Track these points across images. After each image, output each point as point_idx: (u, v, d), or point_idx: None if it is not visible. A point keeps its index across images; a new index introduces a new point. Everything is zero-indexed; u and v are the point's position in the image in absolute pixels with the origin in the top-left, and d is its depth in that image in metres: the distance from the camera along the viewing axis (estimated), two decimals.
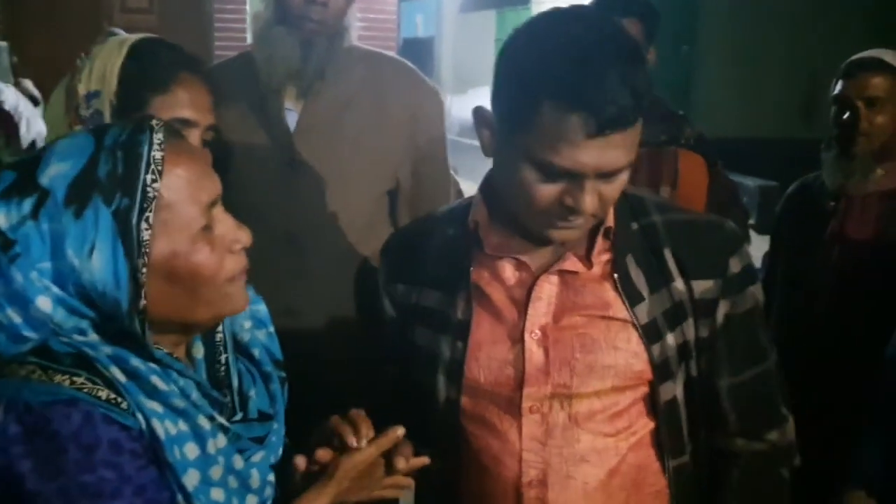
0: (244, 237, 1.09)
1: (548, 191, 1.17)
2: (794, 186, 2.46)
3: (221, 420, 1.10)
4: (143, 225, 0.99)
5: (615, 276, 1.27)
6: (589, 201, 1.17)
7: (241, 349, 1.23)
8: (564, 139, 1.12)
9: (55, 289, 1.00)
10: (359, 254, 2.01)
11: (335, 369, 1.92)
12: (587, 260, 1.28)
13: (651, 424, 1.32)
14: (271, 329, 1.30)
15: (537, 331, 1.29)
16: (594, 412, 1.29)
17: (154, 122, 1.05)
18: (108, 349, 1.02)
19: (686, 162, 2.42)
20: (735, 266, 1.29)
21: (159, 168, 1.01)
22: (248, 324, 1.25)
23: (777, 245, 2.45)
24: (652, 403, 1.31)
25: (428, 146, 2.06)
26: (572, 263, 1.28)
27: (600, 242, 1.28)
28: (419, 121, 2.03)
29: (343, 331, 1.97)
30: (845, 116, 2.19)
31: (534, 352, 1.29)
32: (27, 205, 1.00)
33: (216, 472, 1.08)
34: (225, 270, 1.07)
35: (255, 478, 1.15)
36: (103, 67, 1.46)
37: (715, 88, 9.08)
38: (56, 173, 1.00)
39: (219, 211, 1.08)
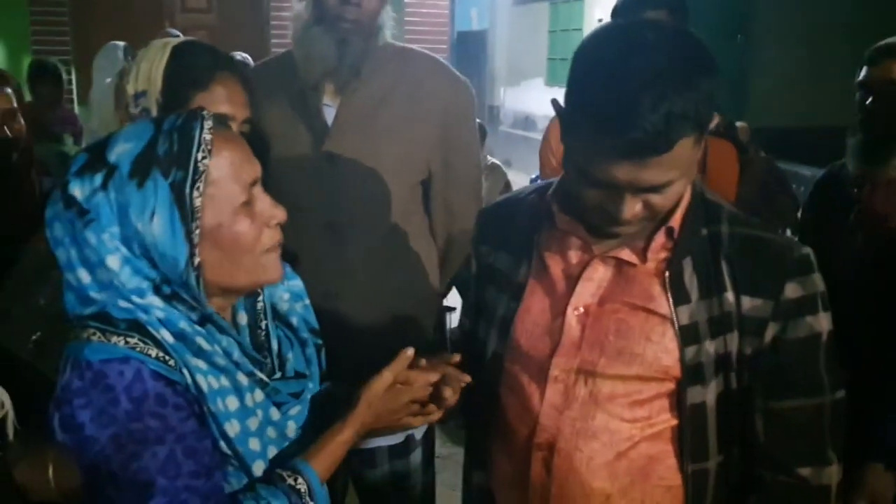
0: (280, 214, 1.24)
1: (591, 195, 1.23)
2: (821, 174, 2.46)
3: (261, 375, 1.24)
4: (195, 194, 1.14)
5: (667, 273, 1.30)
6: (627, 212, 1.21)
7: (281, 318, 1.38)
8: (600, 155, 1.16)
9: (124, 249, 1.14)
10: (394, 240, 2.10)
11: (371, 346, 2.01)
12: (643, 254, 1.33)
13: (673, 422, 1.33)
14: (307, 301, 1.44)
15: (581, 308, 1.35)
16: (615, 395, 1.33)
17: (205, 112, 1.20)
18: (160, 312, 1.16)
19: (715, 149, 2.45)
20: (792, 291, 1.27)
21: (209, 147, 1.16)
22: (286, 296, 1.40)
23: (804, 233, 2.47)
24: (678, 402, 1.32)
25: (459, 138, 2.14)
26: (628, 254, 1.33)
27: (660, 240, 1.31)
28: (450, 114, 2.10)
29: (378, 311, 2.06)
30: (868, 102, 2.20)
31: (572, 326, 1.35)
32: (98, 178, 1.14)
33: (253, 423, 1.22)
34: (262, 242, 1.22)
35: (291, 427, 1.30)
36: (149, 69, 1.58)
37: (771, 78, 8.96)
38: (122, 151, 1.15)
39: (258, 190, 1.23)
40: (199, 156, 1.15)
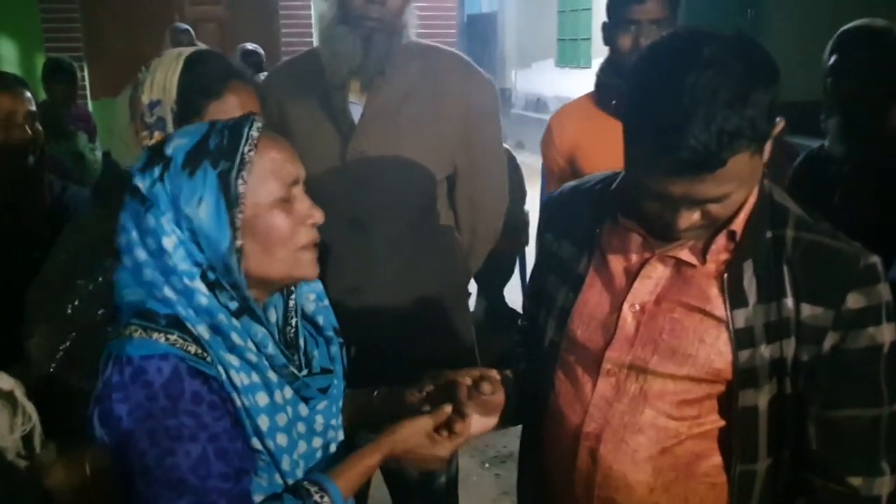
0: (318, 215, 1.30)
1: (649, 204, 1.25)
2: (800, 158, 2.45)
3: (292, 368, 1.29)
4: (240, 181, 1.21)
5: (725, 276, 1.30)
6: (683, 223, 1.22)
7: (307, 317, 1.43)
8: (654, 168, 1.18)
9: (179, 231, 1.22)
10: (419, 235, 2.12)
11: (396, 339, 2.05)
12: (702, 255, 1.33)
13: (722, 423, 1.35)
14: (326, 302, 1.49)
15: (637, 305, 1.37)
16: (665, 393, 1.34)
17: (255, 116, 1.29)
18: (203, 298, 1.21)
19: None
20: (854, 302, 1.25)
21: (255, 143, 1.24)
22: (312, 296, 1.46)
23: None
24: (728, 404, 1.32)
25: (482, 134, 2.15)
26: (687, 255, 1.33)
27: (720, 243, 1.31)
28: (473, 110, 2.12)
29: (403, 305, 2.09)
30: (844, 86, 2.20)
31: (627, 322, 1.37)
32: (156, 171, 1.23)
33: (282, 419, 1.27)
34: (297, 238, 1.27)
35: (319, 422, 1.36)
36: (163, 79, 1.61)
37: (783, 52, 8.85)
38: (178, 145, 1.25)
39: (299, 191, 1.29)
40: (246, 149, 1.23)
